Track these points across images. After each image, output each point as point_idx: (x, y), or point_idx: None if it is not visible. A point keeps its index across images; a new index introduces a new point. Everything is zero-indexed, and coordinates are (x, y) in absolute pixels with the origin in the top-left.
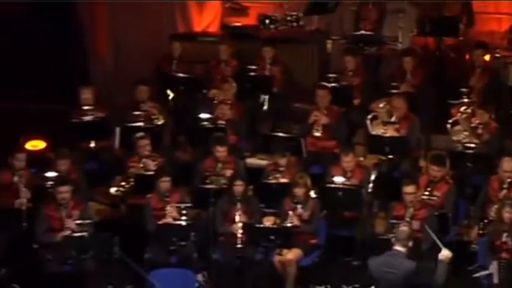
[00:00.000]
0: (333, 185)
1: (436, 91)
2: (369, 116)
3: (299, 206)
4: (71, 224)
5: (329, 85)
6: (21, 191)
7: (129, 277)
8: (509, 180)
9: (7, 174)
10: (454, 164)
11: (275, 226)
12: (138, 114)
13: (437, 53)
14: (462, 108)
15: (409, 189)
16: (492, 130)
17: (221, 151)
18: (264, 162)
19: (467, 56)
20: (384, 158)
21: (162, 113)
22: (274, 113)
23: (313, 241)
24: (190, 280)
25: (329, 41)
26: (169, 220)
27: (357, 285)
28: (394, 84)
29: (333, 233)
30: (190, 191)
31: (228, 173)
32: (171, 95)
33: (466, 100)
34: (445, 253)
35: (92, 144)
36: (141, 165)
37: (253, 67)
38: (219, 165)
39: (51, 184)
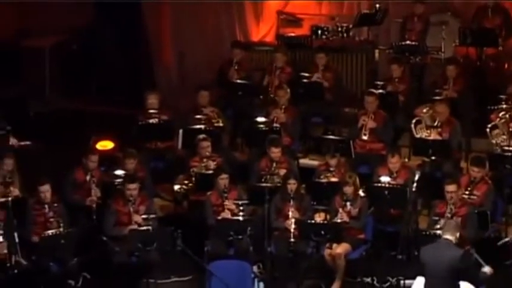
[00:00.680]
0: (379, 184)
1: (477, 97)
2: (413, 121)
3: (348, 204)
4: (138, 218)
5: (376, 91)
6: (93, 189)
7: (190, 268)
8: None
9: (81, 173)
10: (493, 165)
11: (325, 222)
12: (199, 118)
13: (477, 62)
14: (501, 114)
15: (450, 188)
16: None
17: (276, 152)
18: (315, 163)
19: (506, 65)
20: (427, 159)
21: (221, 117)
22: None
23: (361, 236)
24: (246, 271)
25: (377, 51)
26: (227, 215)
27: (401, 278)
28: (437, 91)
29: (379, 229)
30: (247, 188)
31: (282, 172)
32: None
33: (504, 106)
34: (486, 270)
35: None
36: (203, 165)
37: (306, 74)
38: (274, 165)
39: (119, 181)
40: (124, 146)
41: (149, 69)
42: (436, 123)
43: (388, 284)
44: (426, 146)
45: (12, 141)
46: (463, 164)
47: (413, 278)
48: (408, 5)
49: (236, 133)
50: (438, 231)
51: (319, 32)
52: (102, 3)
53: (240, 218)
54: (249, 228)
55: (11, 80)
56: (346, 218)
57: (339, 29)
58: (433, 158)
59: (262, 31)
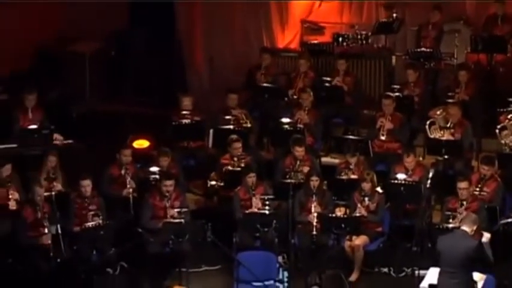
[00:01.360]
0: (396, 181)
1: (487, 100)
2: (428, 122)
3: (366, 199)
4: (173, 212)
5: (393, 95)
6: (128, 181)
7: (219, 258)
8: None
9: (116, 168)
10: (502, 164)
11: (345, 216)
12: (229, 119)
13: (488, 68)
14: (509, 116)
15: (462, 185)
16: None
17: (299, 151)
18: (336, 161)
19: None
20: (440, 158)
21: (248, 118)
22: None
23: (378, 229)
24: (272, 261)
25: (394, 57)
26: (254, 210)
27: (415, 268)
28: (449, 94)
29: (395, 223)
30: (273, 185)
31: (305, 169)
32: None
33: None
34: (486, 235)
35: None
36: (234, 163)
37: (328, 78)
38: (298, 163)
39: (154, 177)
40: (159, 144)
41: (182, 73)
42: (449, 125)
43: (404, 274)
44: (440, 146)
45: (58, 138)
46: (474, 163)
47: (427, 268)
48: (423, 15)
49: (263, 133)
50: (451, 225)
51: (340, 39)
52: (137, 11)
53: (266, 212)
54: (274, 222)
55: (55, 83)
56: (364, 213)
57: (359, 36)
58: (446, 157)
59: (287, 38)
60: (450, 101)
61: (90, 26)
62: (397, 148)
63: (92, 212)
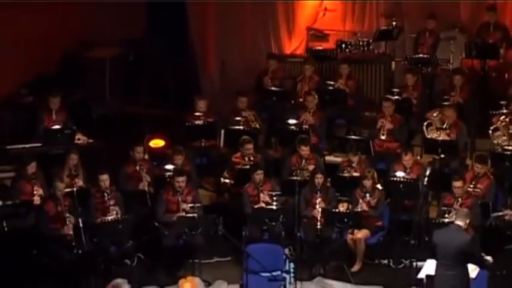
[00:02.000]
0: (395, 179)
1: (480, 103)
2: (425, 123)
3: (367, 195)
4: (186, 206)
5: (393, 97)
6: (143, 176)
7: (230, 250)
8: None
9: (131, 165)
10: (495, 162)
11: (348, 211)
12: (239, 120)
13: (481, 73)
14: (501, 118)
15: (457, 184)
16: None
17: (305, 150)
18: (339, 159)
19: (506, 75)
20: (437, 157)
21: (257, 119)
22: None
23: (379, 223)
24: (279, 253)
25: (393, 62)
26: (262, 205)
27: (413, 260)
28: (445, 97)
29: (394, 217)
30: (280, 181)
31: (310, 167)
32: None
33: (504, 111)
34: (488, 258)
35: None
36: (244, 162)
37: (331, 82)
38: (303, 161)
39: (169, 174)
40: (173, 144)
41: (195, 76)
42: (444, 126)
43: (402, 265)
44: (436, 146)
45: (82, 138)
46: (468, 161)
47: (424, 260)
48: (421, 23)
49: (271, 133)
50: (446, 220)
51: (343, 45)
52: (154, 18)
53: (274, 207)
54: (281, 216)
55: (77, 86)
56: (365, 208)
57: (361, 43)
58: (442, 156)
59: (294, 45)
60: (446, 103)
61: (110, 32)
62: (396, 147)
63: (111, 207)
